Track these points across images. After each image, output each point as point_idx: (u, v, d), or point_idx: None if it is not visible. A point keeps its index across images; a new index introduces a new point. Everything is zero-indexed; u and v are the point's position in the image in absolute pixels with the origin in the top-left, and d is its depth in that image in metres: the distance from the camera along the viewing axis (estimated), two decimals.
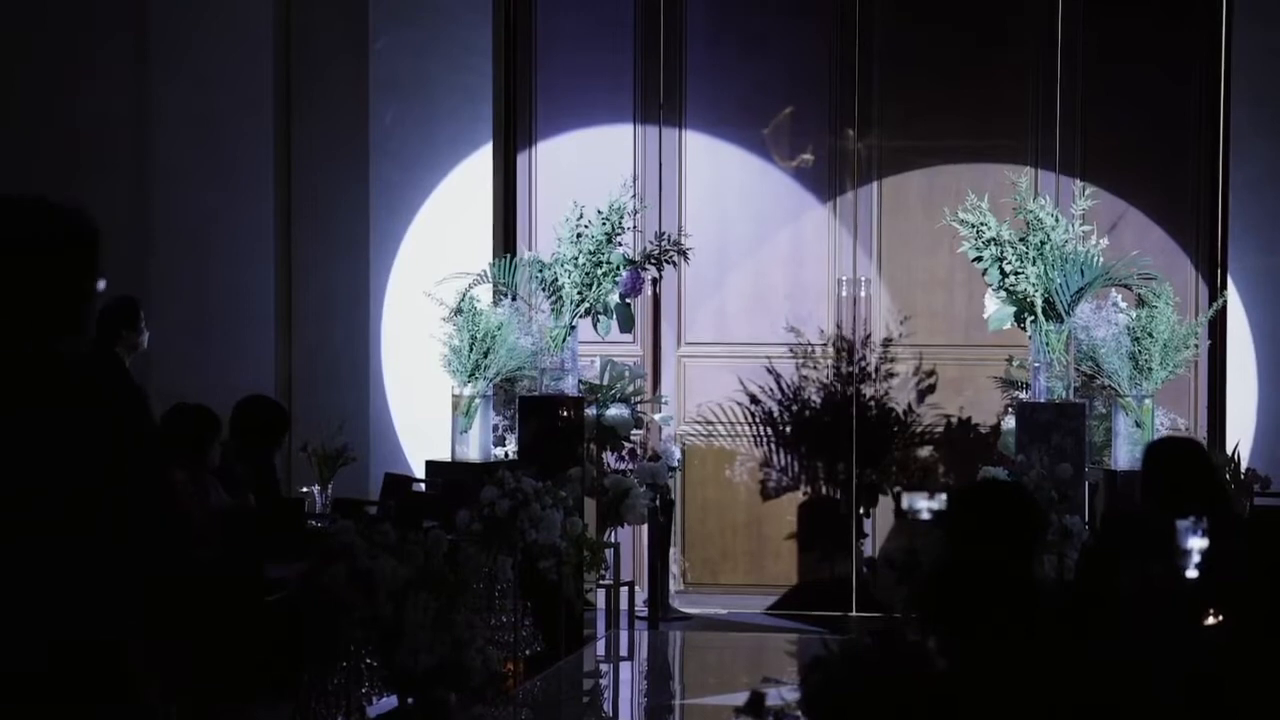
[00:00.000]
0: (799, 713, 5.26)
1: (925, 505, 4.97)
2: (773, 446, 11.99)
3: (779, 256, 11.70)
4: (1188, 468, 6.17)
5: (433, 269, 10.69)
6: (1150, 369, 9.69)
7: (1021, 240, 9.93)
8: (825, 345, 11.85)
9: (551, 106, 11.48)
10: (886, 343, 11.93)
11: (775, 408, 11.84)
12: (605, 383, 10.78)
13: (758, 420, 11.80)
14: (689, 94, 11.65)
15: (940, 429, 11.80)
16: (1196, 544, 4.72)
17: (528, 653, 9.40)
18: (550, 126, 11.48)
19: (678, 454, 11.12)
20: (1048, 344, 9.82)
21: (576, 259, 10.44)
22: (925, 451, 11.91)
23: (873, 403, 12.04)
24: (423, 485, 10.06)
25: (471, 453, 10.12)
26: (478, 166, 11.30)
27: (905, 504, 5.03)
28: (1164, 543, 5.11)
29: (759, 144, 11.71)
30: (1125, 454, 9.74)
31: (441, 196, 11.26)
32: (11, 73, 11.47)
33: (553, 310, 10.46)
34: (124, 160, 11.33)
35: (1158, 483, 6.08)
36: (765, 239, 11.70)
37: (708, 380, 11.74)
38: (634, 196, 10.70)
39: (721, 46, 11.62)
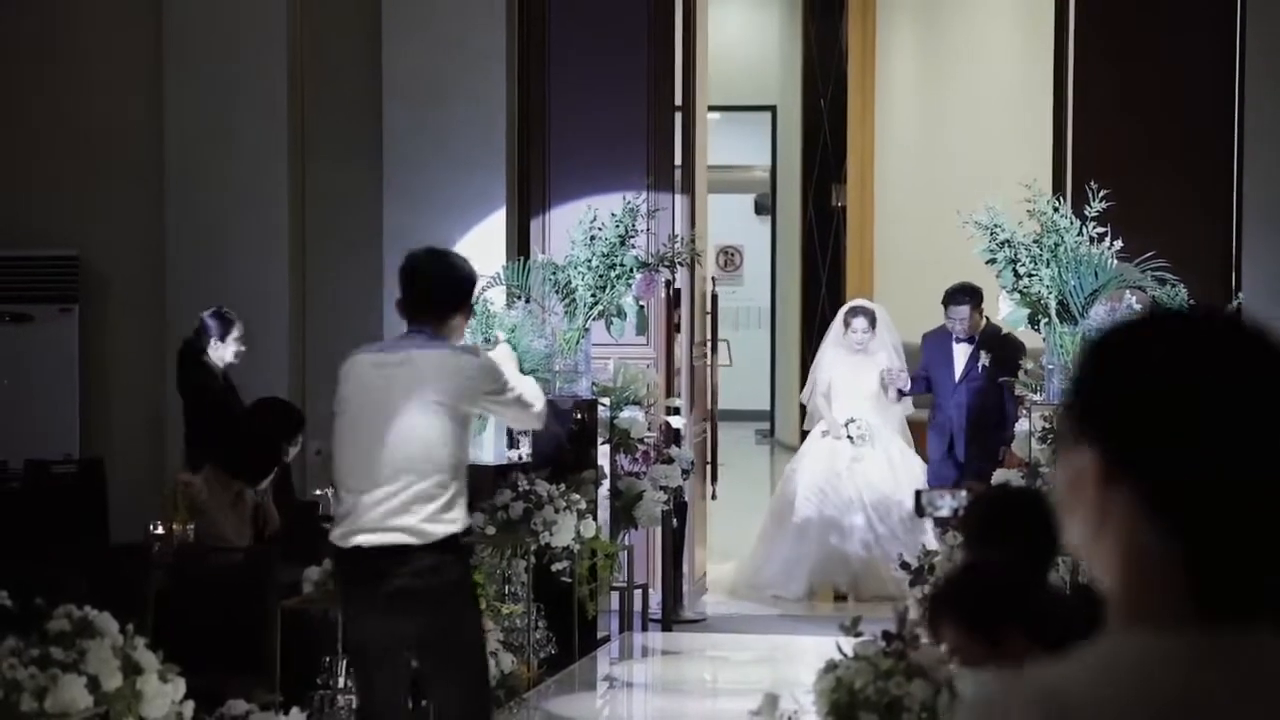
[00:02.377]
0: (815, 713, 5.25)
1: (946, 505, 4.92)
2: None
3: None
4: None
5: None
6: None
7: (1035, 242, 9.92)
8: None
9: (565, 112, 11.46)
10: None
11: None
12: (619, 385, 10.78)
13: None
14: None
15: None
16: None
17: (541, 655, 9.41)
18: (564, 126, 11.46)
19: (690, 456, 11.11)
20: (1062, 346, 9.81)
21: (590, 261, 10.43)
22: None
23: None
24: None
25: (485, 455, 10.12)
26: (491, 166, 11.30)
27: (924, 500, 5.01)
28: None
29: None
30: None
31: (455, 198, 11.26)
32: (29, 76, 11.50)
33: (566, 312, 10.46)
34: (139, 163, 11.35)
35: None
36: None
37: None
38: (645, 199, 10.68)
39: None
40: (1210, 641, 1.76)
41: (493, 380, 6.08)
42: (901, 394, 11.78)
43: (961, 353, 11.41)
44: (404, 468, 5.88)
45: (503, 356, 6.53)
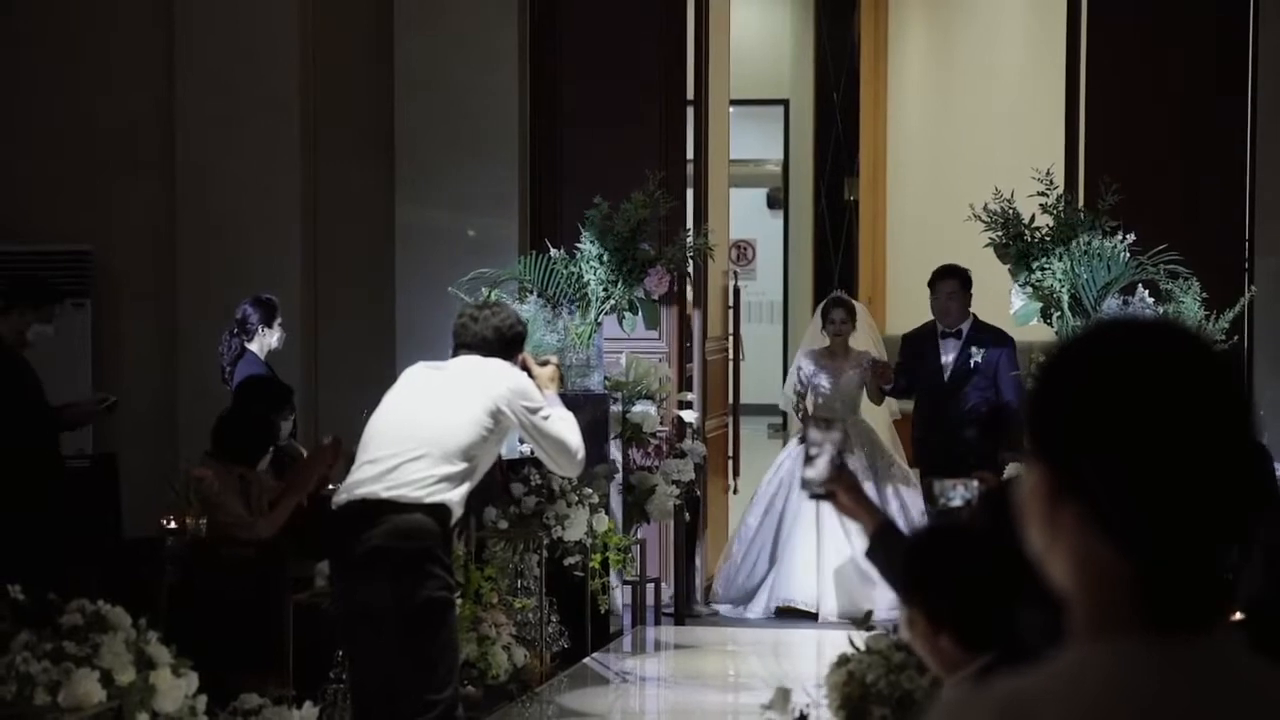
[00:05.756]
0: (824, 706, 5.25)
1: (958, 495, 4.92)
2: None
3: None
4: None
5: (458, 265, 10.69)
6: None
7: (1048, 235, 9.90)
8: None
9: (577, 107, 11.45)
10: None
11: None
12: (631, 379, 10.77)
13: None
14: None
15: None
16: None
17: (553, 649, 9.41)
18: (576, 120, 11.44)
19: (703, 450, 11.09)
20: None
21: (602, 256, 10.43)
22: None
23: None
24: None
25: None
26: (503, 161, 11.29)
27: (936, 490, 5.01)
28: None
29: None
30: None
31: (467, 194, 11.25)
32: (42, 72, 11.51)
33: (578, 307, 10.45)
34: (152, 159, 11.36)
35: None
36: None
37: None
38: (657, 194, 10.65)
39: None
40: (1175, 650, 1.77)
41: (532, 398, 6.38)
42: (883, 391, 11.20)
43: (949, 349, 10.86)
44: (424, 443, 6.07)
45: (547, 376, 6.61)
